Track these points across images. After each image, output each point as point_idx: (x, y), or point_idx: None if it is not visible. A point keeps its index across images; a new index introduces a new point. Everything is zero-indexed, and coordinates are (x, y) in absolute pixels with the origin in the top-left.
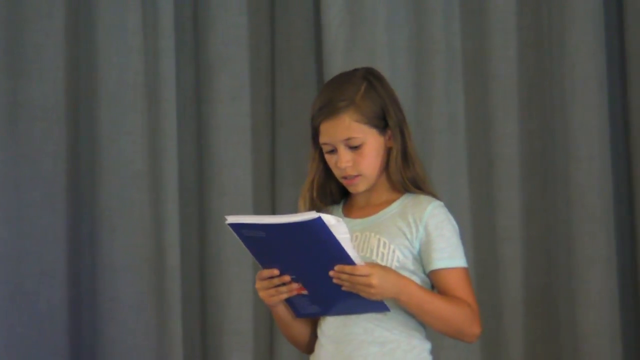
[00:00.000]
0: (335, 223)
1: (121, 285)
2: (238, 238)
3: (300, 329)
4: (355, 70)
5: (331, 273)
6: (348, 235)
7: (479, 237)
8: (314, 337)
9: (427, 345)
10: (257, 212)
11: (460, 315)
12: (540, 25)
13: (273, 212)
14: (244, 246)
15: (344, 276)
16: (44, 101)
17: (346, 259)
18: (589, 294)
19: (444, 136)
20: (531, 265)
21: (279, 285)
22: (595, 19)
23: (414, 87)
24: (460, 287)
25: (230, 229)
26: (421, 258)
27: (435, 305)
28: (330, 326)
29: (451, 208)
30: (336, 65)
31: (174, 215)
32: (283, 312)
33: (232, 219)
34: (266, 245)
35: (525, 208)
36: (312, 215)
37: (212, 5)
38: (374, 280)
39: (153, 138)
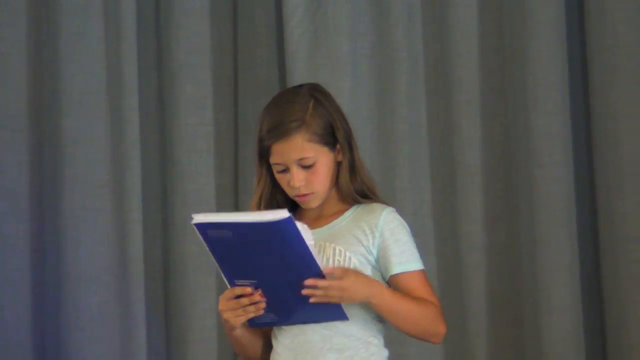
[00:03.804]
0: (301, 228)
1: (85, 295)
2: (202, 239)
3: (254, 345)
4: (299, 87)
5: (304, 292)
6: (313, 242)
7: (442, 244)
8: (266, 349)
9: (385, 353)
10: None
11: (428, 315)
12: (502, 32)
13: None
14: (208, 254)
15: (319, 291)
16: (6, 110)
17: (311, 263)
18: (553, 300)
19: (407, 143)
20: (495, 272)
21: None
22: (556, 25)
23: (377, 94)
24: (421, 288)
25: (195, 230)
26: (379, 265)
27: (405, 306)
28: (287, 335)
29: (414, 215)
30: (299, 73)
31: (138, 224)
32: (241, 332)
33: (199, 218)
34: (231, 246)
35: (488, 215)
36: (283, 214)
37: (174, 13)
38: (346, 283)
39: (116, 146)
